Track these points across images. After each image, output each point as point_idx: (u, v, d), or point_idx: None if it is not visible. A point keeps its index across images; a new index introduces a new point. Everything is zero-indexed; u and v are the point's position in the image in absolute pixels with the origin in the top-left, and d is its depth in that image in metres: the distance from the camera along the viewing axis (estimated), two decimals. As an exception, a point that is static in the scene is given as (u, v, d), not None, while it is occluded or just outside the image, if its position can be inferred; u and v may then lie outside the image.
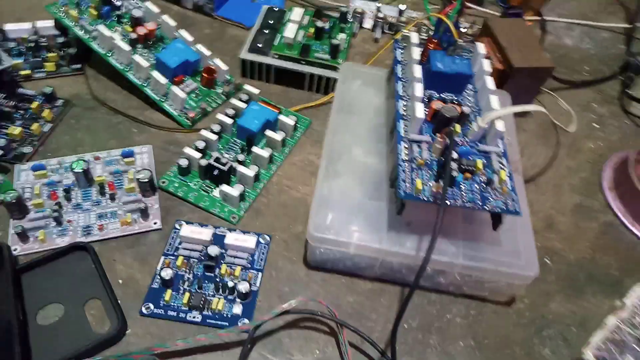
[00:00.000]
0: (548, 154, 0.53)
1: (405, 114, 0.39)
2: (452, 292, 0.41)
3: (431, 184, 0.35)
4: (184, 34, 0.52)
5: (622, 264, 0.45)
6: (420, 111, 0.37)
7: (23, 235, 0.39)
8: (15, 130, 0.45)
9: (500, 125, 0.37)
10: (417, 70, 0.40)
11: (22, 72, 0.50)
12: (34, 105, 0.47)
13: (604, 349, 0.34)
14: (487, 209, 0.34)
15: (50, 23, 0.53)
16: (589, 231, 0.47)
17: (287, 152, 0.49)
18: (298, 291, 0.40)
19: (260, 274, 0.40)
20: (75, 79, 0.52)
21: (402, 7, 0.62)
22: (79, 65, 0.52)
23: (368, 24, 0.63)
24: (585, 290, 0.42)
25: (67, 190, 0.42)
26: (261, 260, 0.40)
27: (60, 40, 0.53)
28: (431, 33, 0.56)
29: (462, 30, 0.60)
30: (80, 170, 0.41)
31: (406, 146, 0.37)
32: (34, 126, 0.46)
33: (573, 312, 0.41)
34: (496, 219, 0.36)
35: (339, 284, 0.40)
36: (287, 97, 0.54)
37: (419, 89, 0.38)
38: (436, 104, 0.38)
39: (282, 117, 0.49)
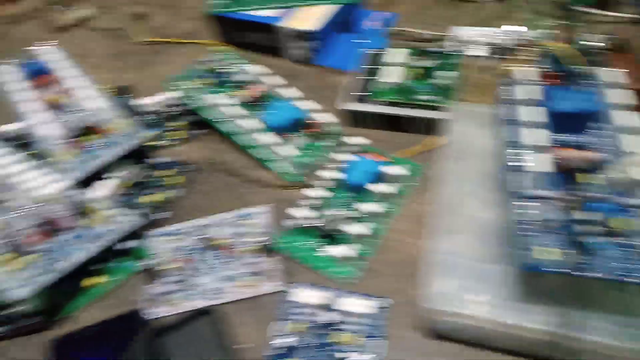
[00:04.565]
0: None
1: (518, 164, 0.35)
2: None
3: (560, 250, 0.31)
4: (288, 91, 0.53)
5: None
6: (539, 163, 0.33)
7: (155, 301, 0.42)
8: (151, 198, 0.49)
9: (644, 174, 0.31)
10: (532, 113, 0.36)
11: (155, 142, 0.56)
12: (167, 173, 0.52)
13: None
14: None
15: (175, 94, 0.59)
16: None
17: (400, 203, 0.47)
18: (424, 365, 0.37)
19: (381, 343, 0.38)
20: (199, 145, 0.56)
21: (521, 28, 0.57)
22: (201, 131, 0.57)
23: (480, 51, 0.59)
24: None
25: (193, 255, 0.45)
26: (381, 327, 0.39)
27: (186, 108, 0.58)
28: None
29: (594, 45, 0.53)
30: (201, 238, 0.44)
31: (522, 204, 0.33)
32: (166, 193, 0.50)
33: None
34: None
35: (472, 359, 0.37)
36: (394, 143, 0.52)
37: (537, 136, 0.34)
38: (564, 152, 0.33)
39: (390, 168, 0.47)
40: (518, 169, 0.35)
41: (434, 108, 0.50)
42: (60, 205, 0.46)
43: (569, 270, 0.30)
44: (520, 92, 0.39)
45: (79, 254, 0.42)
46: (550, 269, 0.30)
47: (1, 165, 0.51)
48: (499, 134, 0.41)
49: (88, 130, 0.51)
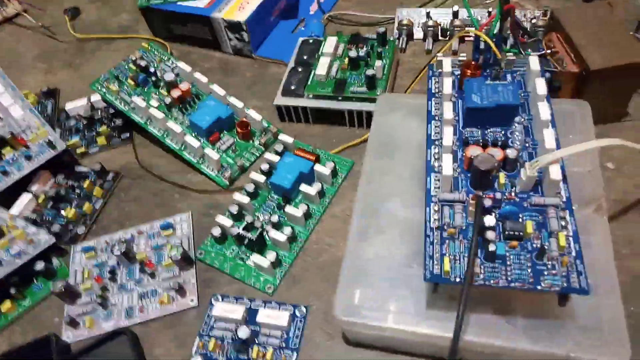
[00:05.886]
0: (658, 169, 0.42)
1: (436, 165, 0.32)
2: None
3: (452, 261, 0.28)
4: (216, 88, 0.50)
5: None
6: (448, 166, 0.30)
7: (73, 322, 0.40)
8: (70, 212, 0.47)
9: (555, 173, 0.28)
10: (448, 110, 0.33)
11: (78, 150, 0.53)
12: (86, 183, 0.49)
13: None
14: (540, 288, 0.27)
15: (100, 97, 0.55)
16: None
17: (327, 203, 0.45)
18: (337, 374, 0.36)
19: (295, 354, 0.36)
20: (125, 149, 0.53)
21: (455, 8, 0.54)
22: (127, 135, 0.54)
23: (418, 34, 0.56)
24: None
25: (112, 271, 0.43)
26: (296, 337, 0.37)
27: (112, 111, 0.55)
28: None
29: (530, 22, 0.51)
30: (119, 254, 0.42)
31: (435, 209, 0.30)
32: (86, 206, 0.48)
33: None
34: (562, 296, 0.28)
35: (384, 364, 0.36)
36: (329, 138, 0.50)
37: (447, 136, 0.31)
38: (471, 151, 0.30)
39: (317, 167, 0.44)
40: (434, 170, 0.32)
41: (364, 100, 0.47)
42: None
43: (461, 281, 0.28)
44: (441, 85, 0.36)
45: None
46: (451, 280, 0.28)
47: None
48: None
49: (4, 143, 0.48)
